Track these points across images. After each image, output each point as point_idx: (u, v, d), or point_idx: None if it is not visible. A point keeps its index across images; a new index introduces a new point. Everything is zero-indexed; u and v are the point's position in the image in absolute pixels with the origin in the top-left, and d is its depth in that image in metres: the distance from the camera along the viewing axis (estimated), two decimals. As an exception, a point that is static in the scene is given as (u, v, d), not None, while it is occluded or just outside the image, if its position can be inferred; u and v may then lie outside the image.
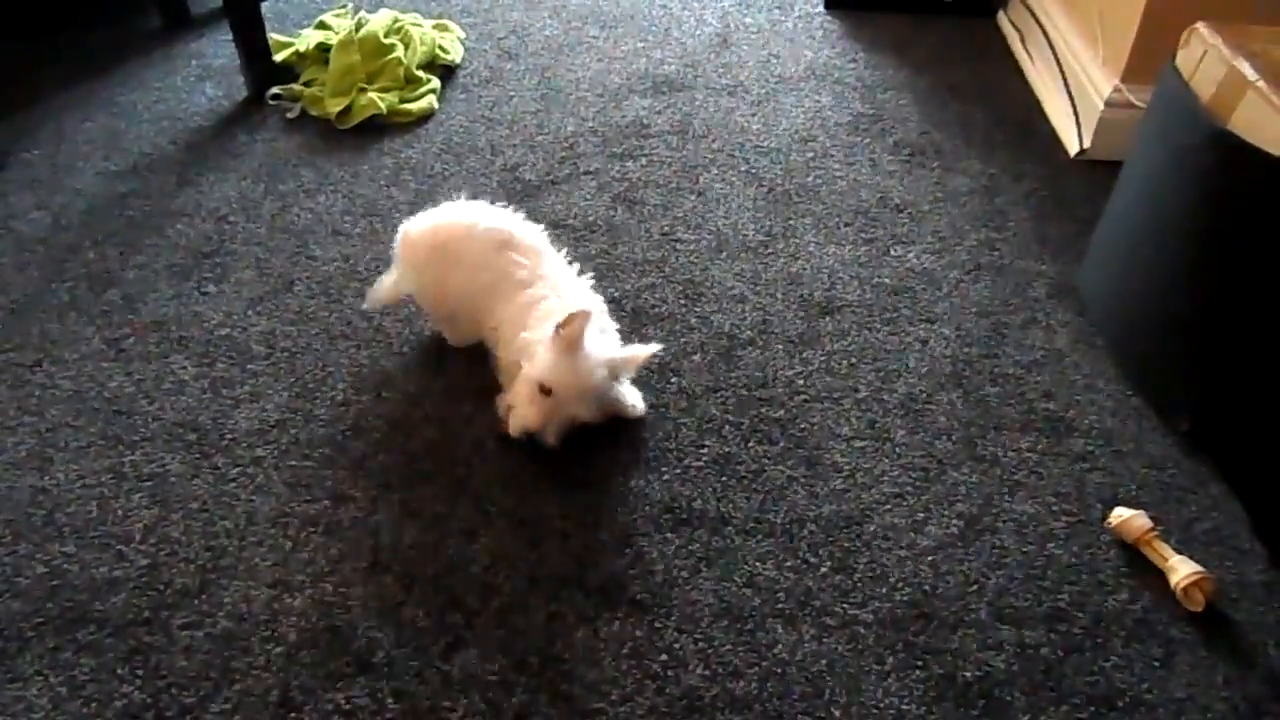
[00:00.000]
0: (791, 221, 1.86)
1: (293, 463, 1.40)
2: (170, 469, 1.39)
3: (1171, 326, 1.46)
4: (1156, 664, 1.18)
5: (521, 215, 1.53)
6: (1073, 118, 2.06)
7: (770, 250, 1.79)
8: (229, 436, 1.43)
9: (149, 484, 1.37)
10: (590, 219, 1.85)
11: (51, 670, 1.16)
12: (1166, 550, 1.27)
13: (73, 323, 1.62)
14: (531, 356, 1.36)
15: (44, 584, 1.24)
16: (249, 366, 1.54)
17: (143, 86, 2.23)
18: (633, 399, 1.45)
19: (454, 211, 1.52)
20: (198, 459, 1.40)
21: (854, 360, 1.57)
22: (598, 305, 1.46)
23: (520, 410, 1.36)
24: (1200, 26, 1.40)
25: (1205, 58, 1.37)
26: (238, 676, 1.15)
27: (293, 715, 1.12)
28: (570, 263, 1.51)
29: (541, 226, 1.53)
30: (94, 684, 1.14)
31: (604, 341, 1.39)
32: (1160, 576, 1.26)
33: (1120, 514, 1.30)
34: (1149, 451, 1.44)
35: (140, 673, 1.15)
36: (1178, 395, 1.47)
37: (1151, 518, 1.29)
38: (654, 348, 1.41)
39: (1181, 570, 1.24)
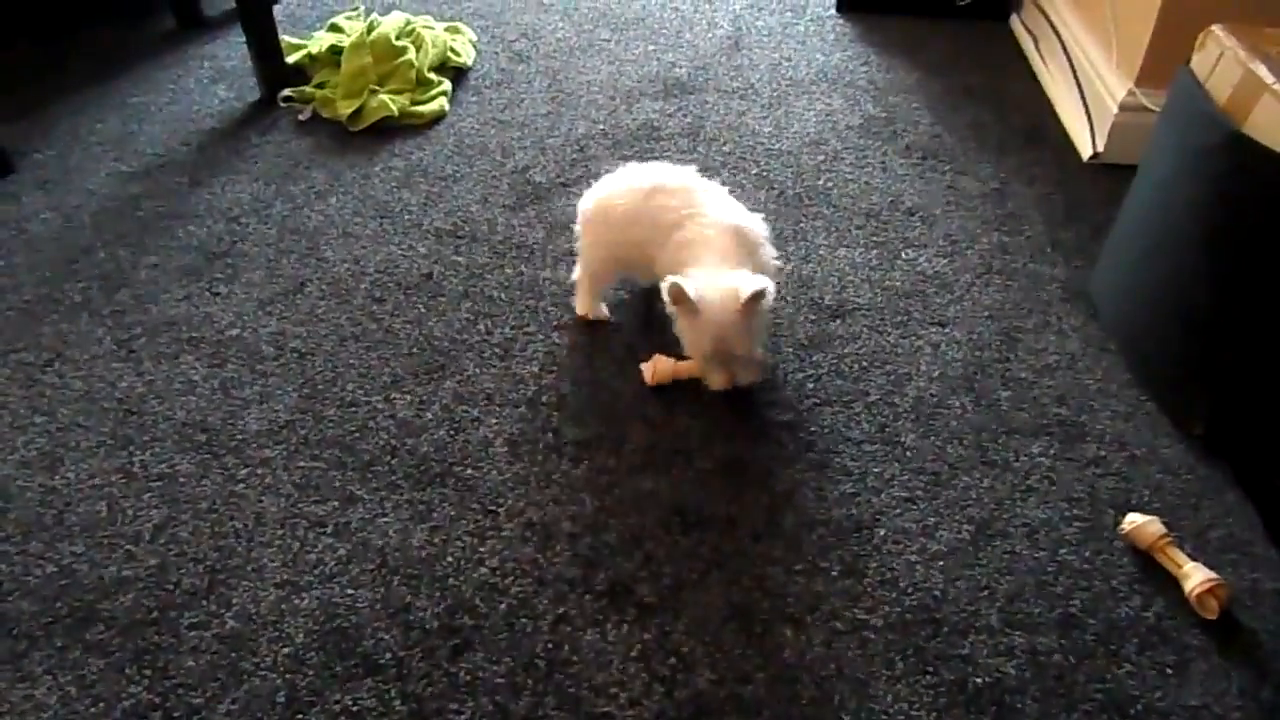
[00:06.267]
0: (802, 224, 1.85)
1: (302, 464, 1.40)
2: (180, 469, 1.39)
3: (1185, 331, 1.45)
4: (1170, 672, 1.17)
5: (667, 165, 1.58)
6: (1086, 121, 2.05)
7: (780, 253, 1.77)
8: (238, 437, 1.43)
9: (158, 484, 1.37)
10: (600, 221, 1.85)
11: (60, 669, 1.16)
12: (1180, 557, 1.26)
13: (84, 323, 1.63)
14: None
15: (53, 583, 1.25)
16: (259, 367, 1.55)
17: (155, 88, 2.24)
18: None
19: (617, 177, 1.58)
20: (207, 459, 1.40)
21: (865, 364, 1.56)
22: (755, 226, 1.51)
23: (713, 377, 1.45)
24: (1216, 29, 1.39)
25: (1221, 60, 1.36)
26: (245, 677, 1.15)
27: (300, 716, 1.11)
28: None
29: (694, 167, 1.57)
30: (102, 684, 1.14)
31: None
32: (1174, 583, 1.25)
33: (1133, 520, 1.29)
34: (1162, 457, 1.43)
35: (148, 673, 1.15)
36: (1191, 400, 1.46)
37: (1165, 524, 1.28)
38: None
39: (1195, 577, 1.22)
